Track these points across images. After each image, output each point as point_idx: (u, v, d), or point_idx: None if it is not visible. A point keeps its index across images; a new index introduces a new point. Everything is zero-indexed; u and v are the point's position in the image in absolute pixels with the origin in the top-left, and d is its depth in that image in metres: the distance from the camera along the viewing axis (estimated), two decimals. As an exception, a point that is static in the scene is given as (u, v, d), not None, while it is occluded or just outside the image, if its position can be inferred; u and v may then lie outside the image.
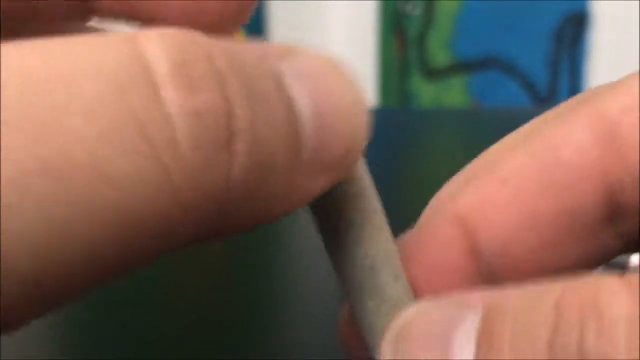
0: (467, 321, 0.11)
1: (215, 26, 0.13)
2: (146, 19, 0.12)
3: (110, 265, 0.08)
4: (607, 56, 0.73)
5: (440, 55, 0.82)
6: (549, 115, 0.14)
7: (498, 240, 0.13)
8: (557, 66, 0.74)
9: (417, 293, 0.13)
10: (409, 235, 0.15)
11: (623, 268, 0.29)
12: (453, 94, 0.83)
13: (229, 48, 0.09)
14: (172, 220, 0.08)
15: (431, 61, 0.82)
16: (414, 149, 0.57)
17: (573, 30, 0.73)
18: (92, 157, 0.07)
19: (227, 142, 0.08)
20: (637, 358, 0.09)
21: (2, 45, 0.07)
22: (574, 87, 0.75)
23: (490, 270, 0.13)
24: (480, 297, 0.11)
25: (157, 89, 0.07)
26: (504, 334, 0.10)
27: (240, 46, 0.09)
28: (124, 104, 0.07)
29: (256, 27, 0.86)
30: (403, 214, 0.42)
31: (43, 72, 0.07)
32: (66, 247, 0.07)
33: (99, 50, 0.07)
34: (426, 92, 0.83)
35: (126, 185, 0.07)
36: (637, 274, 0.10)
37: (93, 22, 0.12)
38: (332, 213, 0.13)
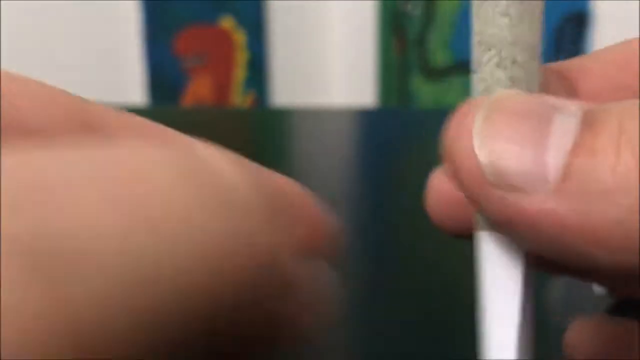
0: (566, 112, 0.11)
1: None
2: None
3: None
4: (607, 56, 0.73)
5: (440, 55, 0.82)
6: None
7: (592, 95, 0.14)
8: (557, 66, 0.74)
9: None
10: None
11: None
12: (453, 94, 0.83)
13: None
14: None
15: (431, 61, 0.82)
16: (414, 149, 0.57)
17: (573, 30, 0.73)
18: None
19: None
20: None
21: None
22: (574, 87, 0.75)
23: None
24: (575, 103, 0.11)
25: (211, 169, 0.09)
26: (607, 126, 0.11)
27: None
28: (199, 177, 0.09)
29: (256, 27, 0.86)
30: (403, 214, 0.42)
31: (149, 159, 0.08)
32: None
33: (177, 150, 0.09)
34: (426, 92, 0.83)
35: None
36: None
37: None
38: None
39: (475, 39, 0.14)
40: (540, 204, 0.11)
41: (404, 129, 0.63)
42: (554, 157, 0.11)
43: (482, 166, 0.11)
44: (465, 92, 0.88)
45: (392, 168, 0.51)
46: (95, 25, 0.81)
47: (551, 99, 0.12)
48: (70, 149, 0.08)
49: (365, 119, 0.71)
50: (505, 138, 0.11)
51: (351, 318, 0.29)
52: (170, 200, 0.08)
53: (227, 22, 0.86)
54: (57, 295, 0.07)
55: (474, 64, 0.14)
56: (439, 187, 0.16)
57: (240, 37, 0.86)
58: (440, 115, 0.67)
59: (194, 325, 0.08)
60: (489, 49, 0.13)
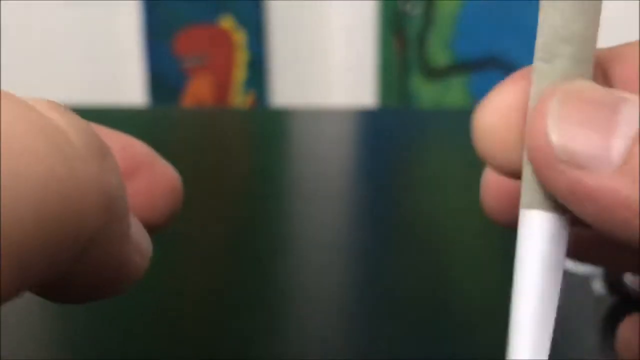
0: (630, 105, 0.13)
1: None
2: None
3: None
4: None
5: (440, 55, 0.82)
6: None
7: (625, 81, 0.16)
8: (557, 66, 0.74)
9: None
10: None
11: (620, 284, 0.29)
12: (453, 94, 0.83)
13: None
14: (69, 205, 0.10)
15: (431, 61, 0.82)
16: (414, 149, 0.57)
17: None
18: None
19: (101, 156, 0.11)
20: None
21: None
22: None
23: None
24: (633, 96, 0.13)
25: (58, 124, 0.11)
26: None
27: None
28: (38, 127, 0.10)
29: (256, 27, 0.86)
30: (403, 214, 0.42)
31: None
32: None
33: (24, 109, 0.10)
34: (426, 92, 0.83)
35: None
36: None
37: None
38: None
39: (546, 31, 0.14)
40: (602, 181, 0.12)
41: (404, 129, 0.63)
42: (618, 143, 0.12)
43: (553, 145, 0.13)
44: (465, 92, 0.88)
45: (392, 168, 0.51)
46: (95, 25, 0.81)
47: (618, 91, 0.13)
48: None
49: (365, 119, 0.71)
50: (578, 122, 0.13)
51: (351, 318, 0.30)
52: (12, 140, 0.09)
53: (227, 22, 0.86)
54: None
55: (542, 56, 0.15)
56: (493, 181, 0.18)
57: (240, 37, 0.86)
58: (440, 115, 0.67)
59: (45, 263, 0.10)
60: (565, 44, 0.14)
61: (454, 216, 0.40)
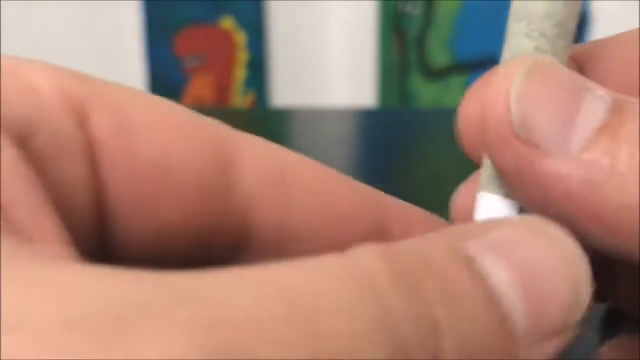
0: (597, 93, 0.12)
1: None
2: (297, 250, 0.14)
3: None
4: (607, 56, 0.73)
5: (440, 55, 0.82)
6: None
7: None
8: (557, 66, 0.74)
9: None
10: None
11: None
12: (453, 94, 0.83)
13: (417, 252, 0.10)
14: None
15: (431, 61, 0.82)
16: (414, 149, 0.57)
17: (573, 30, 0.73)
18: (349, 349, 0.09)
19: (435, 341, 0.09)
20: None
21: (263, 267, 0.09)
22: (574, 87, 0.75)
23: None
24: (605, 89, 0.12)
25: (381, 295, 0.09)
26: (633, 116, 0.11)
27: (430, 243, 0.10)
28: (366, 309, 0.09)
29: (256, 27, 0.86)
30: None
31: (303, 287, 0.09)
32: None
33: (331, 268, 0.09)
34: (426, 92, 0.83)
35: None
36: None
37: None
38: None
39: (511, 10, 0.14)
40: (555, 167, 0.11)
41: (403, 129, 0.63)
42: (580, 130, 0.11)
43: (512, 118, 0.12)
44: (465, 92, 0.88)
45: (392, 168, 0.51)
46: (96, 25, 0.81)
47: (584, 78, 0.12)
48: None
49: (365, 119, 0.71)
50: (541, 99, 0.12)
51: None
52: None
53: (227, 23, 0.86)
54: None
55: (506, 36, 0.14)
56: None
57: (240, 38, 0.86)
58: (440, 115, 0.67)
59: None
60: (520, 21, 0.14)
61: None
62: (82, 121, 0.12)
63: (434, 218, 0.15)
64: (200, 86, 0.87)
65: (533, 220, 0.11)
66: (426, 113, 0.74)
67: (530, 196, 0.12)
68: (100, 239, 0.12)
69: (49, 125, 0.11)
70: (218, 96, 0.88)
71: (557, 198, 0.11)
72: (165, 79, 0.86)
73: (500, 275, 0.10)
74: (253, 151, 0.13)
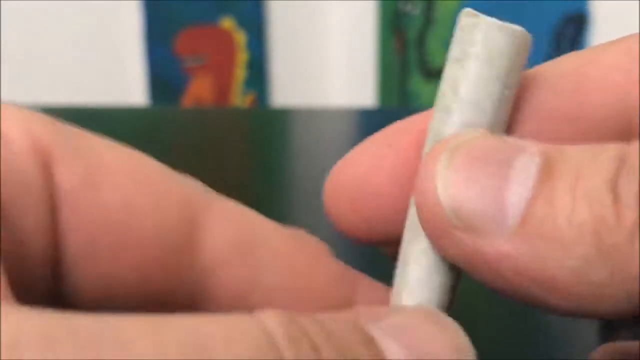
0: (524, 157, 0.11)
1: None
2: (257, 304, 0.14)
3: None
4: (607, 56, 0.73)
5: (440, 55, 0.82)
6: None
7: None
8: (557, 66, 0.74)
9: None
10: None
11: None
12: (453, 94, 0.83)
13: (323, 323, 0.11)
14: None
15: (431, 61, 0.82)
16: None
17: (573, 30, 0.73)
18: None
19: None
20: None
21: (176, 316, 0.09)
22: (574, 87, 0.75)
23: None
24: (536, 145, 0.12)
25: (277, 344, 0.10)
26: (565, 174, 0.11)
27: (333, 317, 0.11)
28: (256, 349, 0.10)
29: (256, 27, 0.86)
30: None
31: (203, 337, 0.09)
32: None
33: (236, 323, 0.10)
34: (426, 92, 0.83)
35: None
36: None
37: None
38: None
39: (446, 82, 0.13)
40: (499, 247, 0.11)
41: (404, 129, 0.62)
42: (514, 203, 0.11)
43: (443, 208, 0.11)
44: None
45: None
46: (96, 26, 0.81)
47: (512, 140, 0.12)
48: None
49: (365, 119, 0.71)
50: (466, 181, 0.11)
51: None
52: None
53: (227, 23, 0.86)
54: None
55: (440, 104, 0.13)
56: (349, 174, 0.15)
57: (240, 38, 0.86)
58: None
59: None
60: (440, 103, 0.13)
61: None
62: (47, 169, 0.12)
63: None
64: (200, 86, 0.87)
65: (427, 309, 0.12)
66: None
67: (485, 278, 0.12)
68: (57, 284, 0.12)
69: (14, 170, 0.11)
70: (218, 96, 0.88)
71: (507, 276, 0.11)
72: (165, 79, 0.86)
73: (395, 353, 0.11)
74: (223, 215, 0.13)
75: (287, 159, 0.55)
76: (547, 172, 0.11)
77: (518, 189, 0.11)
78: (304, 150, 0.57)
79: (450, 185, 0.11)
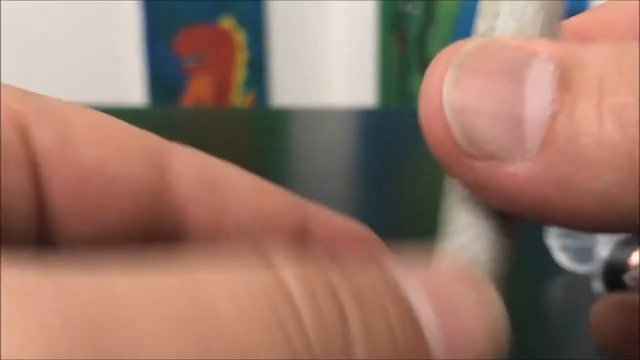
0: (540, 64, 0.10)
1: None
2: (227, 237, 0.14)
3: None
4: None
5: (440, 55, 0.82)
6: None
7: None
8: (557, 66, 0.74)
9: None
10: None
11: (623, 267, 0.29)
12: (453, 93, 0.83)
13: (351, 276, 0.09)
14: None
15: (431, 61, 0.82)
16: (414, 149, 0.57)
17: (573, 30, 0.73)
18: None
19: (345, 344, 0.09)
20: None
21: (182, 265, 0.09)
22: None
23: None
24: (547, 47, 0.10)
25: (295, 303, 0.09)
26: (586, 87, 0.09)
27: (362, 268, 0.10)
28: (270, 309, 0.08)
29: (256, 27, 0.86)
30: (403, 213, 0.42)
31: (214, 289, 0.08)
32: None
33: (246, 276, 0.09)
34: (426, 92, 0.83)
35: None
36: None
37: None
38: None
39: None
40: (518, 174, 0.10)
41: (403, 129, 0.62)
42: (532, 121, 0.10)
43: (454, 134, 0.10)
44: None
45: (391, 168, 0.51)
46: (96, 26, 0.81)
47: (533, 41, 0.10)
48: (141, 276, 0.08)
49: (365, 118, 0.71)
50: (476, 102, 0.10)
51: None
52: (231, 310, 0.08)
53: (227, 22, 0.86)
54: None
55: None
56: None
57: (240, 37, 0.86)
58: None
59: None
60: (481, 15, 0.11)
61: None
62: (24, 133, 0.13)
63: (351, 223, 0.15)
64: (200, 86, 0.87)
65: (469, 274, 0.11)
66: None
67: (504, 206, 0.10)
68: (43, 240, 0.13)
69: None
70: (218, 96, 0.88)
71: (525, 203, 0.10)
72: (165, 79, 0.86)
73: (420, 300, 0.10)
74: (185, 159, 0.14)
75: (287, 158, 0.55)
76: (565, 83, 0.10)
77: (536, 104, 0.10)
78: (304, 150, 0.57)
79: (457, 106, 0.10)
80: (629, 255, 0.29)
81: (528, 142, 0.10)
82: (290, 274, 0.09)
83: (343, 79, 0.86)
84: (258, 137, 0.62)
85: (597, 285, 0.30)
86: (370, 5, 0.82)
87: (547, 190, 0.10)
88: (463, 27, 0.80)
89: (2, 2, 0.75)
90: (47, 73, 0.78)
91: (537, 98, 0.10)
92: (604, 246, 0.29)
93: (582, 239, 0.31)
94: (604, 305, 0.16)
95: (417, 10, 0.81)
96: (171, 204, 0.14)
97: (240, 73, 0.88)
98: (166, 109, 0.78)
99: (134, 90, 0.84)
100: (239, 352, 0.08)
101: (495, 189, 0.10)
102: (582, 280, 0.32)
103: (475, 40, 0.11)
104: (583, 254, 0.31)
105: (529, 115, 0.10)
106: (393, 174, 0.51)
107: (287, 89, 0.87)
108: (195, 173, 0.14)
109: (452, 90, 0.10)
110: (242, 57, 0.87)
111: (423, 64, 0.83)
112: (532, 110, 0.10)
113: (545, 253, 0.32)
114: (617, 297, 0.16)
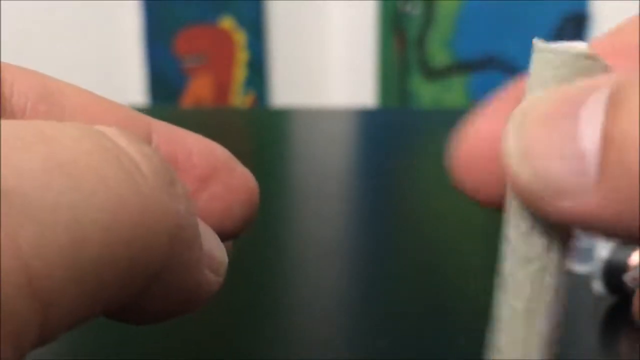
0: (594, 96, 0.10)
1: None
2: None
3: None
4: (607, 56, 0.73)
5: (440, 55, 0.82)
6: None
7: None
8: (557, 66, 0.74)
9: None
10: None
11: (623, 267, 0.29)
12: (453, 94, 0.83)
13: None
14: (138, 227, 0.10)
15: (431, 61, 0.82)
16: (414, 149, 0.57)
17: (573, 30, 0.73)
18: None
19: (170, 183, 0.11)
20: None
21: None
22: (574, 87, 0.75)
23: None
24: (606, 79, 0.10)
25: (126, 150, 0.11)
26: (634, 98, 0.10)
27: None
28: (111, 155, 0.10)
29: (256, 27, 0.86)
30: (402, 213, 0.42)
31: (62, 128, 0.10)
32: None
33: (84, 129, 0.10)
34: (426, 92, 0.83)
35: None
36: None
37: None
38: None
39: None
40: (587, 204, 0.10)
41: (403, 129, 0.63)
42: (588, 152, 0.10)
43: (524, 180, 0.11)
44: (465, 92, 0.88)
45: (392, 168, 0.51)
46: (96, 26, 0.81)
47: (582, 83, 0.10)
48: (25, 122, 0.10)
49: (365, 119, 0.71)
50: (539, 144, 0.10)
51: (349, 319, 0.30)
52: (88, 166, 0.10)
53: (227, 22, 0.86)
54: (9, 243, 0.08)
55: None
56: (475, 138, 0.15)
57: (240, 37, 0.86)
58: (440, 115, 0.67)
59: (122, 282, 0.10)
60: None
61: (454, 215, 0.40)
62: (8, 95, 0.14)
63: (202, 140, 0.17)
64: (200, 86, 0.87)
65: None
66: (426, 113, 0.74)
67: (585, 231, 0.11)
68: None
69: None
70: (218, 96, 0.88)
71: (600, 231, 0.10)
72: (165, 79, 0.86)
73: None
74: (19, 72, 0.15)
75: (287, 158, 0.55)
76: (614, 106, 0.10)
77: (589, 130, 0.10)
78: (304, 150, 0.57)
79: (522, 153, 0.10)
80: (629, 255, 0.29)
81: (589, 174, 0.10)
82: (115, 132, 0.11)
83: (343, 80, 0.86)
84: (258, 137, 0.62)
85: (597, 285, 0.30)
86: (370, 5, 0.82)
87: (611, 220, 0.10)
88: (463, 27, 0.80)
89: (2, 2, 0.75)
90: (47, 73, 0.78)
91: (589, 122, 0.10)
92: (604, 246, 0.29)
93: (581, 239, 0.32)
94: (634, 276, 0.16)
95: (417, 11, 0.81)
96: (5, 114, 0.14)
97: (240, 73, 0.88)
98: (166, 108, 0.79)
99: (134, 90, 0.84)
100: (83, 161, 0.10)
101: (570, 221, 0.11)
102: (582, 281, 0.32)
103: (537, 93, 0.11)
104: (583, 254, 0.31)
105: (585, 145, 0.10)
106: (393, 174, 0.51)
107: (287, 89, 0.88)
108: (30, 85, 0.15)
109: (517, 133, 0.11)
110: (242, 57, 0.87)
111: (423, 64, 0.83)
112: (586, 139, 0.10)
113: (545, 253, 0.32)
114: None
